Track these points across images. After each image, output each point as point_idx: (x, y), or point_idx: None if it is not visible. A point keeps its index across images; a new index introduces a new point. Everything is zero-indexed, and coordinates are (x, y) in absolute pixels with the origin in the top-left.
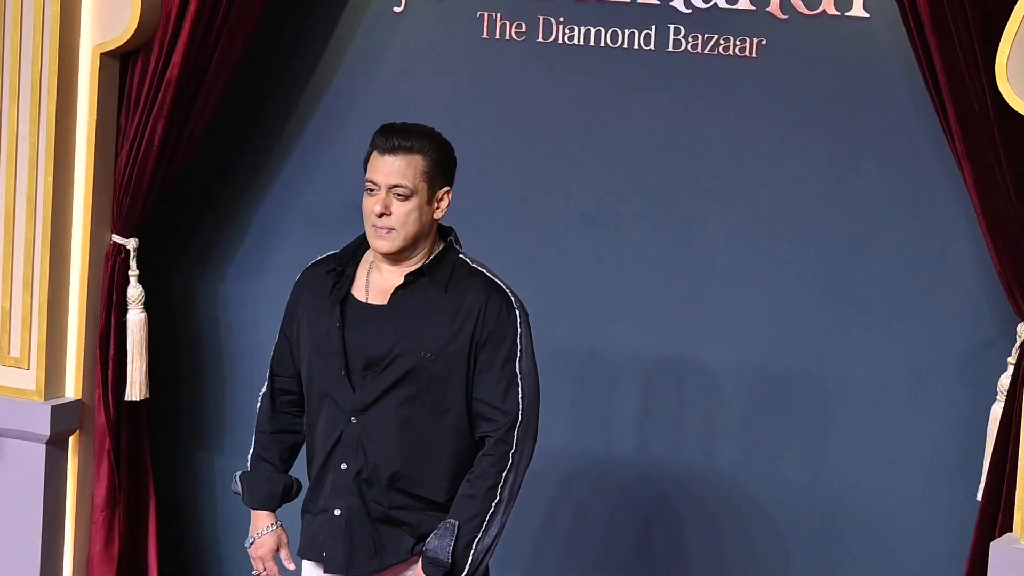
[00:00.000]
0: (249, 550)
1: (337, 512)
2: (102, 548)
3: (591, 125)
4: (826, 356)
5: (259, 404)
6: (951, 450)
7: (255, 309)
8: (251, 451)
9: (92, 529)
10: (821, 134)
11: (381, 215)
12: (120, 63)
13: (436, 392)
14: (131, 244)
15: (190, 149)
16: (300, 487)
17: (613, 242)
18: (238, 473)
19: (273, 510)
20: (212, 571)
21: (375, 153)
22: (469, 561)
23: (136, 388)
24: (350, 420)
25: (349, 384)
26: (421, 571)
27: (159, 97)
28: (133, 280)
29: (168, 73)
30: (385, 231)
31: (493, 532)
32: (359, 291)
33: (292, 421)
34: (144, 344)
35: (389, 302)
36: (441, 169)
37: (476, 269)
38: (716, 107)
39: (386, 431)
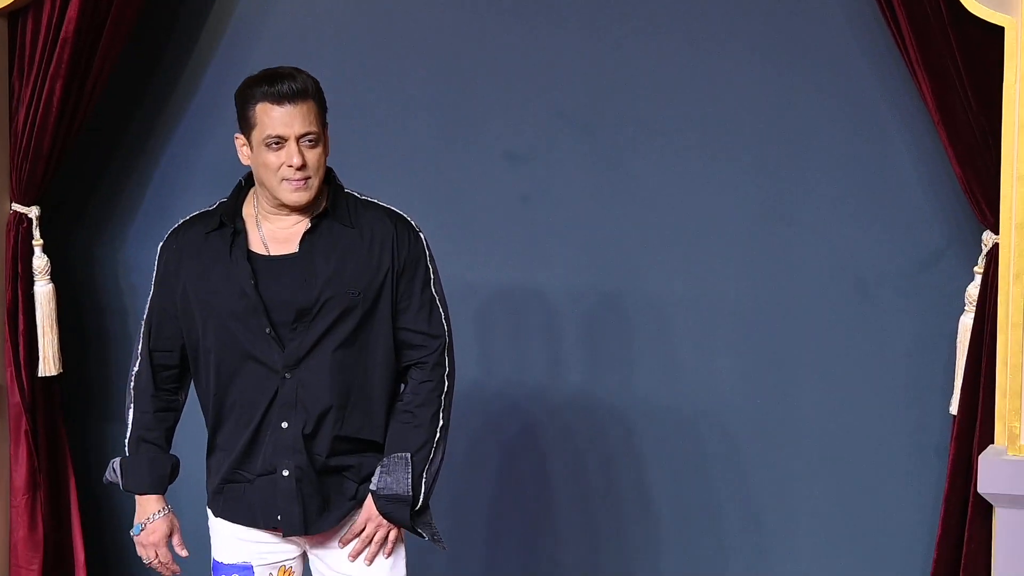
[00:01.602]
0: (138, 538)
1: (285, 472)
2: (26, 533)
3: (509, 57)
4: (770, 277)
5: (133, 384)
6: (906, 366)
7: None
8: (128, 435)
9: (13, 514)
10: (754, 49)
11: (302, 166)
12: (8, 23)
13: (365, 330)
14: (33, 212)
15: (89, 109)
16: (179, 465)
17: (538, 177)
18: (116, 460)
19: (163, 493)
20: (129, 546)
21: (267, 104)
22: (423, 491)
23: (49, 363)
24: (284, 377)
25: (276, 340)
26: (374, 511)
27: (55, 56)
28: (38, 250)
29: (64, 30)
30: (302, 182)
31: (439, 458)
32: (256, 245)
33: (172, 398)
34: (54, 317)
35: (300, 249)
36: (325, 107)
37: (370, 201)
38: (639, 30)
39: (322, 380)
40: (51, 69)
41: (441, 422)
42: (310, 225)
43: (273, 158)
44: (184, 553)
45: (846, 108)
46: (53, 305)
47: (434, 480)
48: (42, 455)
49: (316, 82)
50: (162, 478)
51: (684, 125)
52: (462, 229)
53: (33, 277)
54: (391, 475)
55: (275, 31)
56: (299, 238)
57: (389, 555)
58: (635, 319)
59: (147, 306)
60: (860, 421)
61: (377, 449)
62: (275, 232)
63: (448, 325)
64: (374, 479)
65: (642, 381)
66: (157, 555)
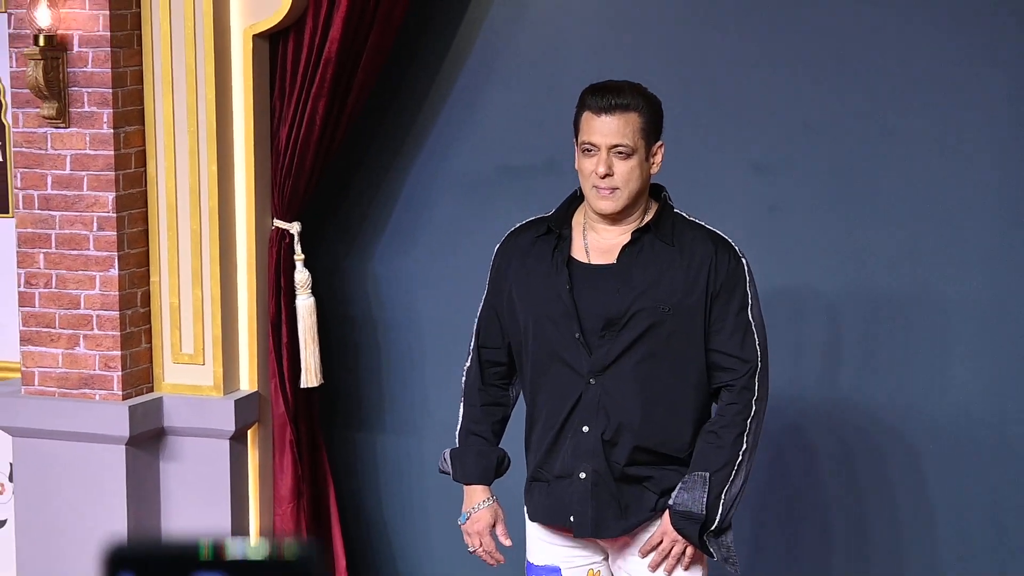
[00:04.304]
0: (463, 526)
1: (583, 475)
2: None
3: (754, 67)
4: (1017, 282)
5: (464, 378)
6: None
7: (409, 285)
8: (459, 426)
9: (277, 522)
10: (997, 46)
11: (605, 176)
12: (269, 44)
13: (675, 347)
14: (295, 228)
15: (349, 127)
16: (510, 461)
17: (783, 188)
18: (447, 451)
19: (488, 484)
20: (385, 553)
21: (588, 114)
22: (720, 512)
23: (311, 374)
24: (588, 382)
25: (585, 346)
26: (669, 526)
27: (318, 75)
28: (299, 264)
29: (326, 51)
30: (608, 191)
31: (740, 481)
32: (579, 252)
33: (501, 394)
34: (315, 329)
35: (618, 260)
36: (654, 124)
37: (695, 222)
38: (882, 37)
39: (627, 390)
40: (314, 88)
41: (744, 446)
42: (631, 238)
43: (587, 164)
44: (507, 543)
45: None
46: (314, 318)
47: (734, 503)
48: (304, 464)
49: (649, 99)
50: (487, 469)
51: (927, 130)
52: None
53: (295, 291)
54: (689, 492)
55: (522, 47)
56: (620, 250)
57: (687, 569)
58: (882, 325)
59: (481, 305)
60: None
61: (681, 464)
62: (599, 242)
63: (762, 351)
64: (674, 494)
65: (894, 386)
66: (481, 543)
